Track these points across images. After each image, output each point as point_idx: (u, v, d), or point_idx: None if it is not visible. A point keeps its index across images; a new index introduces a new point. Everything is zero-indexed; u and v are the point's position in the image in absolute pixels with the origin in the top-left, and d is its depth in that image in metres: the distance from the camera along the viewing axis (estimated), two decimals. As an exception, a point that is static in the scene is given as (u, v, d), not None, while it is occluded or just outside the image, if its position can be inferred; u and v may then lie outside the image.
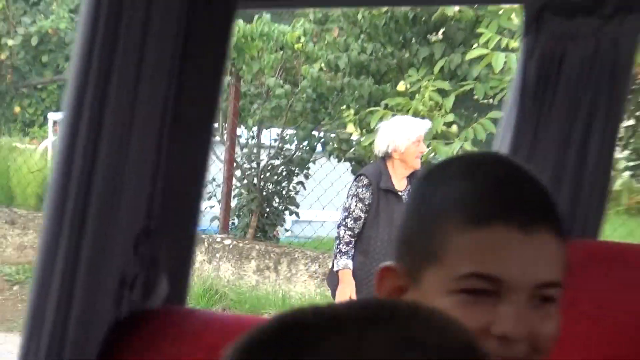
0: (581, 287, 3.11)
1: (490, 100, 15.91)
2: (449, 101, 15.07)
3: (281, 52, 17.85)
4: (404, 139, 10.17)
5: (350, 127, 16.44)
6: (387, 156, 10.30)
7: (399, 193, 10.15)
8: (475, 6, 14.85)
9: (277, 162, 18.37)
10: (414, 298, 2.39)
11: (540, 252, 2.32)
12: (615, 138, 3.57)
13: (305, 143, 18.07)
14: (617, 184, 18.63)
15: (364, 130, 15.96)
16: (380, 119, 14.06)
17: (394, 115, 13.73)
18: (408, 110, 14.83)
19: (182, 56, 2.92)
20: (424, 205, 2.45)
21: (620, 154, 18.79)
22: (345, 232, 10.21)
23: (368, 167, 11.17)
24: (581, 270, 3.07)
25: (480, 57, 14.30)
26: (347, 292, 10.09)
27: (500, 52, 13.99)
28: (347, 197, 10.53)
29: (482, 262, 2.25)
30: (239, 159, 18.37)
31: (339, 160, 17.39)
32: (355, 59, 16.42)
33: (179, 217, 3.14)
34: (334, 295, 10.29)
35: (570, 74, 3.40)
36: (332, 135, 17.92)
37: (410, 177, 10.37)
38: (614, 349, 3.08)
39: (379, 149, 10.56)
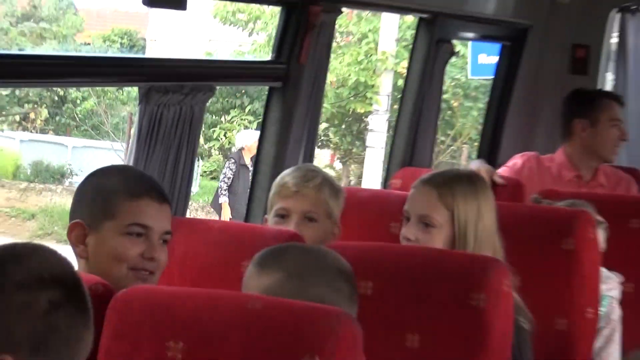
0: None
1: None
2: (254, 125, 18.99)
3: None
4: (250, 140, 14.35)
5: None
6: (242, 149, 14.70)
7: (248, 166, 13.91)
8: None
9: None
10: (95, 239, 2.89)
11: (164, 213, 2.91)
12: (193, 164, 3.93)
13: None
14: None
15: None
16: (218, 135, 19.97)
17: (224, 133, 19.97)
18: (231, 130, 19.51)
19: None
20: (100, 187, 2.96)
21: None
22: (223, 183, 14.39)
23: (233, 154, 15.45)
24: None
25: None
26: (226, 213, 14.22)
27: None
28: (224, 168, 15.11)
29: (139, 217, 2.86)
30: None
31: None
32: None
33: None
34: (219, 214, 14.51)
35: (166, 127, 3.69)
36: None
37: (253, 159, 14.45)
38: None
39: (238, 145, 15.39)
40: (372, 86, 18.55)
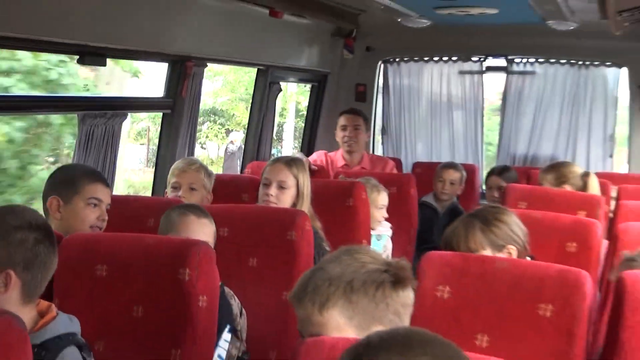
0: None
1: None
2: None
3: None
4: (234, 137, 14.10)
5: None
6: (231, 141, 14.17)
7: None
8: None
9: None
10: (67, 208, 2.79)
11: (108, 193, 2.85)
12: (115, 163, 3.72)
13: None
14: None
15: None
16: (199, 136, 16.25)
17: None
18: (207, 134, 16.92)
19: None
20: (70, 175, 2.87)
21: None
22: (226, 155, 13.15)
23: (228, 143, 14.60)
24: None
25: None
26: None
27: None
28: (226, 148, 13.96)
29: (96, 194, 2.80)
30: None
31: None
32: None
33: None
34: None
35: (96, 139, 3.58)
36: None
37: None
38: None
39: (230, 138, 14.49)
40: (285, 109, 18.11)
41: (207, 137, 18.61)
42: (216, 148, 14.81)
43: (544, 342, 2.28)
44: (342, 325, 1.64)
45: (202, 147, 18.92)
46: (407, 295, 1.70)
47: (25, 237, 1.99)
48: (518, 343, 2.26)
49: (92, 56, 3.40)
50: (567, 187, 4.11)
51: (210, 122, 18.87)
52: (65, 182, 2.86)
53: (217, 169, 15.22)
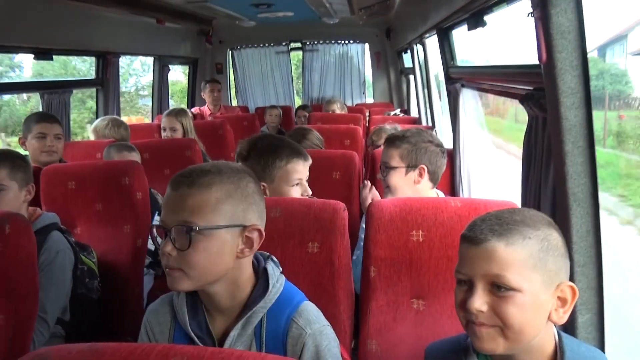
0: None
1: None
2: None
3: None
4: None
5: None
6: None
7: None
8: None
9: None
10: (29, 142, 2.37)
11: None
12: (69, 121, 3.35)
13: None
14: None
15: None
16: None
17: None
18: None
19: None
20: (26, 121, 2.43)
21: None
22: None
23: None
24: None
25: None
26: None
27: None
28: None
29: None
30: None
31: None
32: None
33: None
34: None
35: (54, 109, 3.20)
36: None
37: None
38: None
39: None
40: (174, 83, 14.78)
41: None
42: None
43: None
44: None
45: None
46: None
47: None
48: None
49: (42, 54, 3.06)
50: (337, 110, 4.36)
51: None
52: (25, 125, 2.48)
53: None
